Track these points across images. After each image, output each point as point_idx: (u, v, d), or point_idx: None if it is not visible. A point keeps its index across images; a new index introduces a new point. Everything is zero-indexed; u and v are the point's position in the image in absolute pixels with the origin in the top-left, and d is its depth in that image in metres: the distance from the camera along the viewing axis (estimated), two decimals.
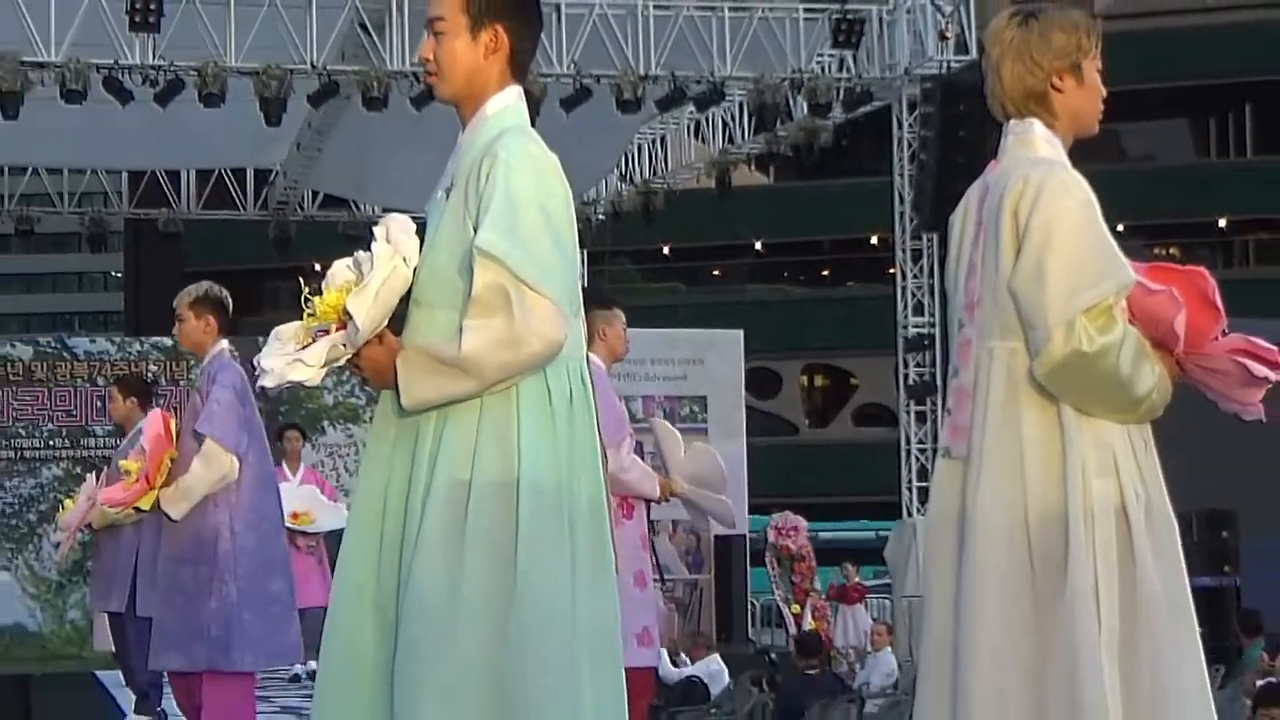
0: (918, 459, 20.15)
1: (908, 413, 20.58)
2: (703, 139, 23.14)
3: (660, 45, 18.67)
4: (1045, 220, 4.28)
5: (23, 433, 19.28)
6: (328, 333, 4.23)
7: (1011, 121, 4.52)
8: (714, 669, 15.05)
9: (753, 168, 32.01)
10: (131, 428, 10.58)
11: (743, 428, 20.83)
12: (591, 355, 5.06)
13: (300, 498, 14.21)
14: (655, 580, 8.67)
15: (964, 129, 18.34)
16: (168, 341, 16.67)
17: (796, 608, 22.87)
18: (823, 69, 19.66)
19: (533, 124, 4.40)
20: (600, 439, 4.37)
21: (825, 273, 46.17)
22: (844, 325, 41.43)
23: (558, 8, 18.12)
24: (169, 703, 9.87)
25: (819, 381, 46.61)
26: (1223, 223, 42.97)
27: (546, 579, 4.15)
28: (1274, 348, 4.45)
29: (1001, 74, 4.51)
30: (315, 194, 24.33)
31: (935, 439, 18.66)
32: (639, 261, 41.65)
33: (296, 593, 8.74)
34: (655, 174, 23.72)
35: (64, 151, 22.08)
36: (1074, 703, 4.19)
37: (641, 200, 23.51)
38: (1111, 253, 4.29)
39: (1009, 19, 4.55)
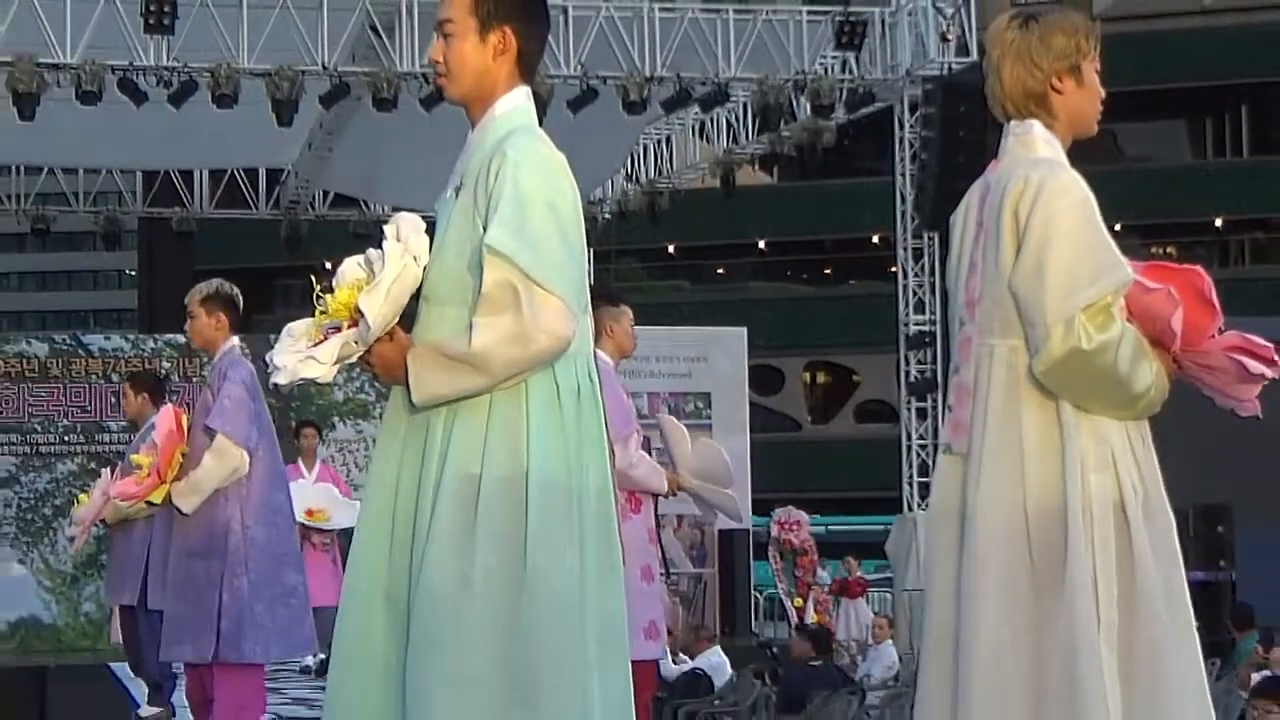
0: (919, 455, 20.13)
1: (909, 409, 20.56)
2: (707, 139, 23.13)
3: (666, 47, 18.66)
4: (1045, 219, 4.28)
5: (38, 428, 19.29)
6: (339, 330, 4.23)
7: (1012, 122, 4.52)
8: (716, 661, 15.02)
9: (756, 168, 31.96)
10: (144, 423, 10.59)
11: (746, 424, 20.82)
12: (599, 351, 5.08)
13: (316, 495, 14.21)
14: (660, 574, 8.67)
15: (965, 129, 18.33)
16: (181, 338, 16.67)
17: (799, 601, 22.87)
18: (826, 70, 19.65)
19: (540, 124, 4.41)
20: (608, 434, 4.37)
21: (828, 271, 46.14)
22: (846, 323, 41.40)
23: (565, 10, 18.12)
24: (179, 695, 9.88)
25: (821, 378, 46.58)
26: (1219, 222, 42.93)
27: (555, 572, 4.15)
28: (1270, 345, 4.45)
29: (1002, 75, 4.51)
30: (326, 193, 24.32)
31: (936, 435, 18.67)
32: (644, 260, 41.62)
33: (311, 590, 8.74)
34: (661, 174, 23.71)
35: (79, 151, 22.08)
36: (1074, 696, 4.19)
37: (647, 200, 23.50)
38: (1110, 251, 4.29)
39: (1009, 21, 4.55)
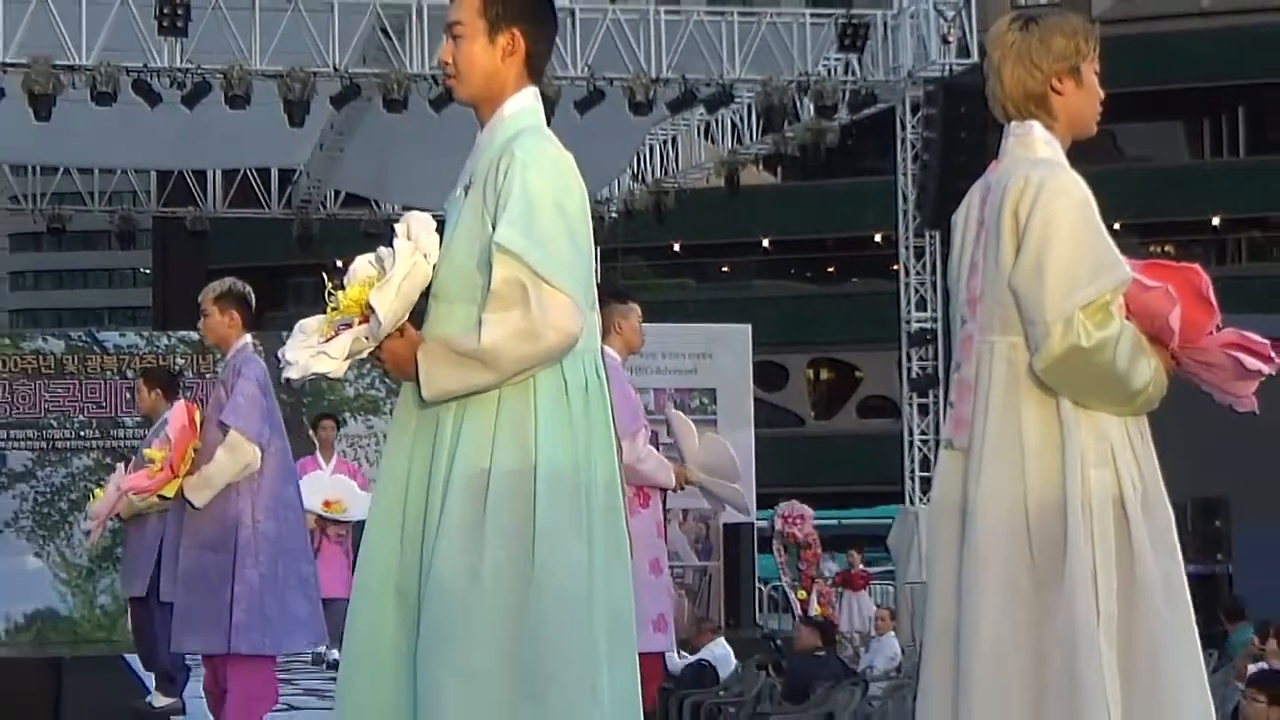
0: (920, 450, 20.13)
1: (910, 405, 20.56)
2: (712, 140, 23.13)
3: (671, 49, 18.66)
4: (1045, 219, 4.28)
5: (54, 424, 19.29)
6: (350, 326, 4.23)
7: (1012, 123, 4.52)
8: (720, 653, 15.02)
9: (760, 167, 31.98)
10: (158, 418, 10.59)
11: (750, 419, 20.80)
12: (607, 348, 5.07)
13: (333, 486, 14.20)
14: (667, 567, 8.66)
15: (965, 130, 18.32)
16: (194, 335, 16.64)
17: (803, 594, 22.87)
18: (829, 72, 19.65)
19: (548, 125, 4.40)
20: (615, 429, 4.37)
21: (831, 269, 46.11)
22: (849, 320, 41.39)
23: (572, 13, 18.12)
24: (195, 687, 9.88)
25: (825, 374, 46.56)
26: (1216, 221, 42.90)
27: (563, 567, 4.15)
28: (1266, 341, 4.45)
29: (1002, 77, 4.51)
30: (337, 193, 24.33)
31: (937, 430, 18.66)
32: (650, 258, 41.62)
33: (323, 582, 8.75)
34: (666, 174, 23.71)
35: (95, 152, 22.10)
36: (1073, 690, 4.19)
37: (653, 199, 23.50)
38: (1109, 250, 4.29)
39: (1010, 24, 4.55)
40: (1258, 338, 4.44)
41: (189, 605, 8.41)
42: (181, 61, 17.55)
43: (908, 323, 20.49)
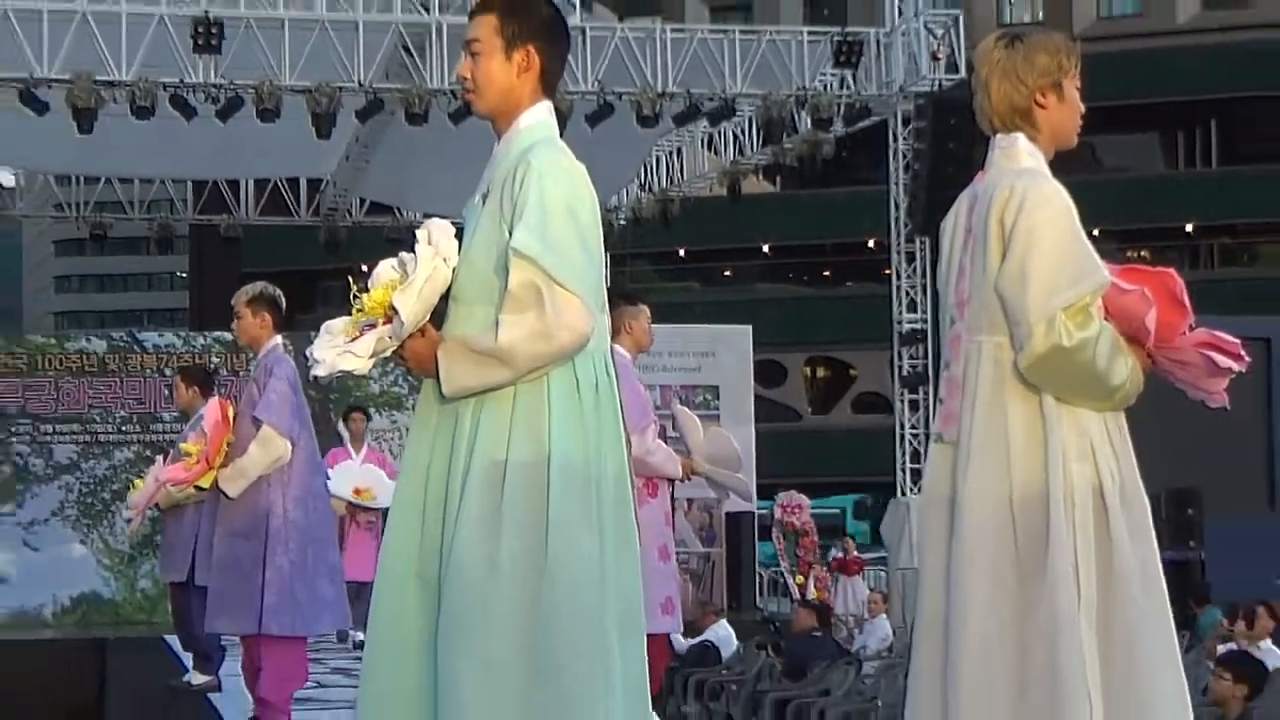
0: (911, 443, 20.14)
1: (902, 401, 20.58)
2: (715, 151, 23.13)
3: (676, 65, 18.68)
4: (1029, 227, 4.27)
5: (97, 419, 19.33)
6: (375, 327, 4.23)
7: (998, 135, 4.51)
8: (723, 634, 15.04)
9: (761, 177, 31.97)
10: (194, 414, 10.59)
11: (751, 414, 20.81)
12: (617, 347, 5.07)
13: (364, 475, 14.19)
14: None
15: (954, 142, 18.33)
16: (228, 336, 16.64)
17: (800, 578, 22.87)
18: (825, 87, 19.65)
19: (560, 137, 4.40)
20: (625, 424, 4.36)
21: (827, 273, 46.09)
22: (844, 321, 41.39)
23: (583, 31, 18.15)
24: (232, 665, 9.88)
25: (821, 372, 46.55)
26: (1190, 228, 42.88)
27: (575, 559, 4.13)
28: (1237, 341, 4.44)
29: (989, 91, 4.50)
30: (363, 201, 24.35)
31: (927, 425, 18.66)
32: (657, 263, 41.59)
33: (353, 567, 8.74)
34: (672, 183, 23.71)
35: (134, 163, 22.14)
36: (1055, 684, 4.18)
37: (659, 207, 23.50)
38: (1089, 257, 4.28)
39: (996, 41, 4.54)
40: (1229, 337, 4.44)
41: (222, 589, 8.41)
42: (215, 77, 17.58)
43: (899, 323, 20.50)
